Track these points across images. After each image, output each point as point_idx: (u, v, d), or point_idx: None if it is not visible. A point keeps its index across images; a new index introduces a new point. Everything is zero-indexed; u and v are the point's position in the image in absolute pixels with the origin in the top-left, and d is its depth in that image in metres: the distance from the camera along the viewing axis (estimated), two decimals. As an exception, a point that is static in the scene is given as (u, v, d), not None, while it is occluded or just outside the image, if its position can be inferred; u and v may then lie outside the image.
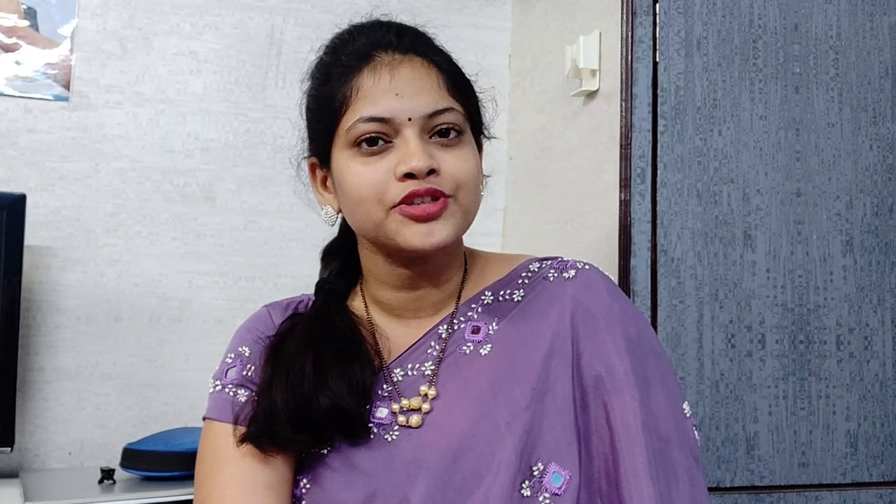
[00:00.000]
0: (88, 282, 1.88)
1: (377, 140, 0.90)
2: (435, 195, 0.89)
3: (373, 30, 0.96)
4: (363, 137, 0.90)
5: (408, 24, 0.99)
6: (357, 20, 1.00)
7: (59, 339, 1.85)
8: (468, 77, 0.99)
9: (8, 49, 1.87)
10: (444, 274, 0.99)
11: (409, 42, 0.94)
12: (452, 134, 0.92)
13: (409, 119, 0.90)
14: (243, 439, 0.91)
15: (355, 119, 0.90)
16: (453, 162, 0.91)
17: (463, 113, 0.94)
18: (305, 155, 1.01)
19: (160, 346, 1.92)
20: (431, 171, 0.89)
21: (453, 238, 0.92)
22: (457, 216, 0.92)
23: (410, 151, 0.89)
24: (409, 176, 0.89)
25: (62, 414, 1.84)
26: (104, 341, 1.88)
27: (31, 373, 1.83)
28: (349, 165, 0.92)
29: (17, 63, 1.88)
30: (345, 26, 1.00)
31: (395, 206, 0.89)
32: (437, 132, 0.92)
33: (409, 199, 0.89)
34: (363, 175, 0.90)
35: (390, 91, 0.90)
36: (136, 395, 1.89)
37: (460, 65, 0.99)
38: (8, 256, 1.64)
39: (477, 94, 0.99)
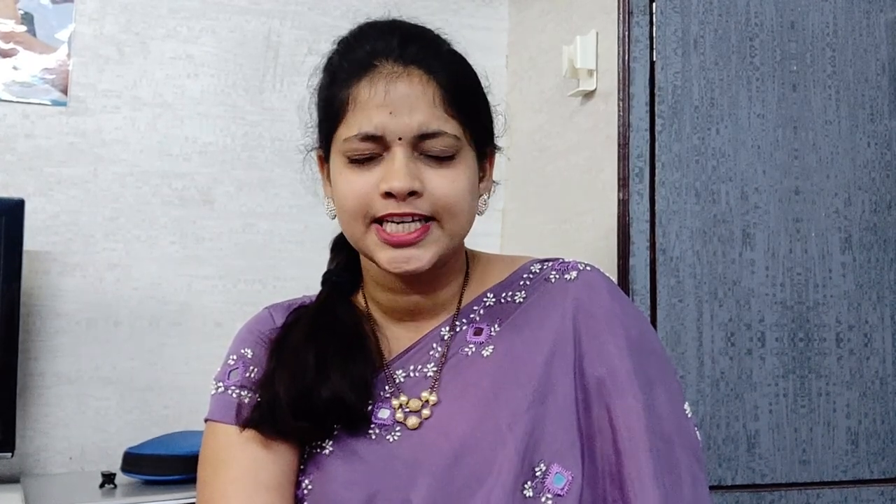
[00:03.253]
0: (88, 286, 1.88)
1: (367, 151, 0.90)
2: (413, 217, 0.89)
3: (380, 35, 0.94)
4: (354, 153, 0.90)
5: (421, 25, 0.97)
6: (356, 21, 0.98)
7: (59, 344, 1.85)
8: (482, 85, 0.97)
9: (5, 54, 1.87)
10: (438, 283, 0.98)
11: (413, 53, 0.92)
12: (446, 153, 0.91)
13: (400, 139, 0.89)
14: (246, 424, 0.91)
15: (350, 134, 0.90)
16: (441, 183, 0.90)
17: (458, 132, 0.92)
18: (315, 146, 1.01)
19: (160, 350, 1.92)
20: (413, 193, 0.89)
21: (433, 262, 0.91)
22: (440, 241, 0.91)
23: (394, 170, 0.88)
24: (388, 194, 0.89)
25: (63, 419, 1.84)
26: (104, 345, 1.88)
27: (31, 378, 1.82)
28: (341, 172, 0.92)
29: (15, 68, 1.88)
30: (343, 26, 0.99)
31: (375, 221, 0.90)
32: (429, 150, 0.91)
33: (387, 218, 0.89)
34: (350, 185, 0.91)
35: (384, 107, 0.89)
36: (137, 398, 1.89)
37: (475, 70, 0.97)
38: (7, 262, 1.64)
39: (488, 103, 0.98)
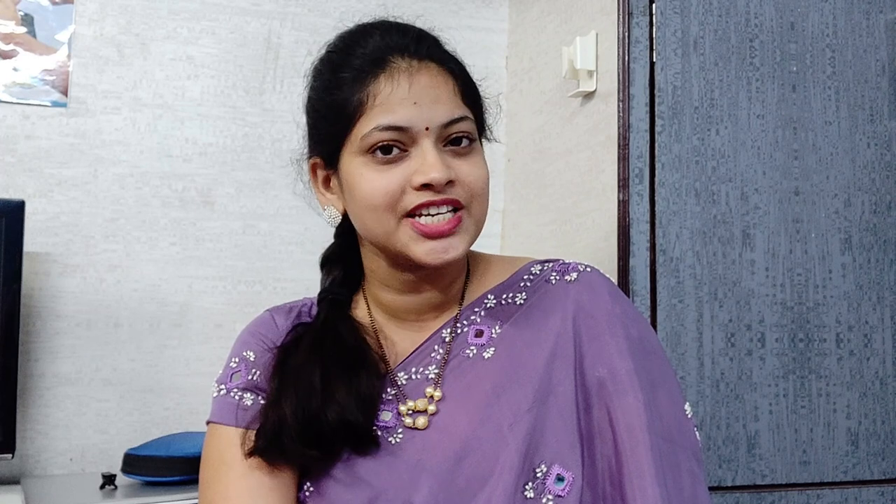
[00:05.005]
0: (88, 287, 1.88)
1: (392, 148, 0.90)
2: (451, 205, 0.90)
3: (387, 32, 0.95)
4: (379, 145, 0.90)
5: (418, 26, 0.98)
6: (356, 22, 0.99)
7: (59, 345, 1.85)
8: (476, 82, 0.99)
9: (5, 56, 1.87)
10: (448, 277, 0.99)
11: (426, 48, 0.94)
12: (465, 142, 0.92)
13: (427, 129, 0.90)
14: (252, 452, 0.91)
15: (372, 127, 0.89)
16: (469, 170, 0.92)
17: (474, 120, 0.95)
18: (307, 155, 1.00)
19: (160, 351, 1.92)
20: (449, 182, 0.89)
21: (465, 252, 0.93)
22: (469, 229, 0.92)
23: (429, 162, 0.89)
24: (426, 186, 0.89)
25: (63, 420, 1.84)
26: (104, 347, 1.88)
27: (32, 379, 1.83)
28: (362, 172, 0.91)
29: (15, 69, 1.88)
30: (344, 27, 0.99)
31: (407, 215, 0.90)
32: (450, 140, 0.92)
33: (423, 208, 0.89)
34: (376, 182, 0.90)
35: (408, 99, 0.89)
36: (137, 400, 1.89)
37: (469, 69, 0.99)
38: (7, 263, 1.64)
39: (483, 98, 0.99)
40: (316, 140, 0.99)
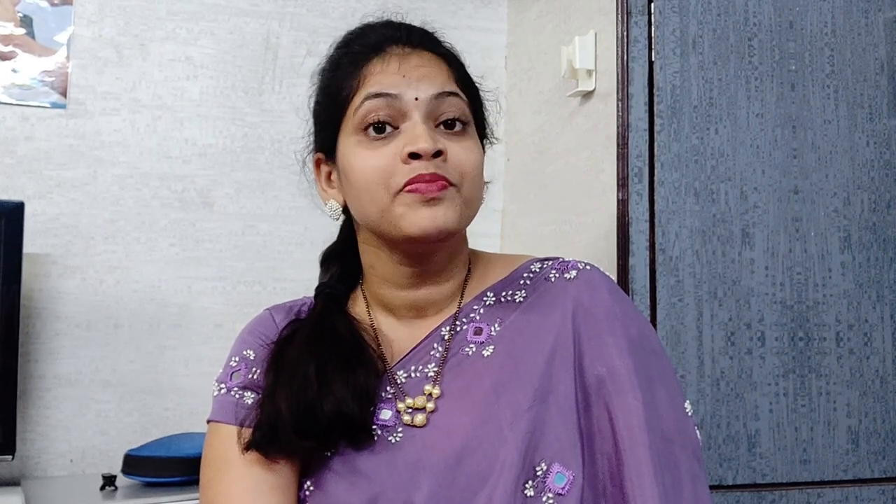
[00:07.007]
0: (87, 288, 1.88)
1: (384, 126, 0.91)
2: (440, 181, 0.90)
3: (384, 27, 0.98)
4: (370, 122, 0.91)
5: (418, 24, 1.01)
6: (353, 23, 1.02)
7: (59, 347, 1.85)
8: (474, 78, 1.00)
9: (4, 57, 1.87)
10: (446, 272, 0.99)
11: (419, 38, 0.97)
12: (458, 126, 0.94)
13: (416, 98, 0.91)
14: (248, 446, 0.91)
15: (362, 98, 0.92)
16: (459, 150, 0.92)
17: (468, 105, 0.96)
18: (311, 150, 1.03)
19: (160, 352, 1.92)
20: (438, 154, 0.90)
21: (456, 225, 0.92)
22: (458, 203, 0.92)
23: (417, 133, 0.90)
24: (414, 157, 0.89)
25: (63, 421, 1.84)
26: (104, 348, 1.88)
27: (32, 380, 1.82)
28: (356, 151, 0.93)
29: (14, 71, 1.88)
30: (343, 30, 1.02)
31: (400, 191, 0.90)
32: (442, 122, 0.93)
33: (414, 182, 0.89)
34: (369, 160, 0.91)
35: (398, 74, 0.92)
36: (137, 401, 1.89)
37: (467, 67, 1.01)
38: (7, 264, 1.64)
39: (481, 94, 1.01)
40: (317, 132, 1.01)
